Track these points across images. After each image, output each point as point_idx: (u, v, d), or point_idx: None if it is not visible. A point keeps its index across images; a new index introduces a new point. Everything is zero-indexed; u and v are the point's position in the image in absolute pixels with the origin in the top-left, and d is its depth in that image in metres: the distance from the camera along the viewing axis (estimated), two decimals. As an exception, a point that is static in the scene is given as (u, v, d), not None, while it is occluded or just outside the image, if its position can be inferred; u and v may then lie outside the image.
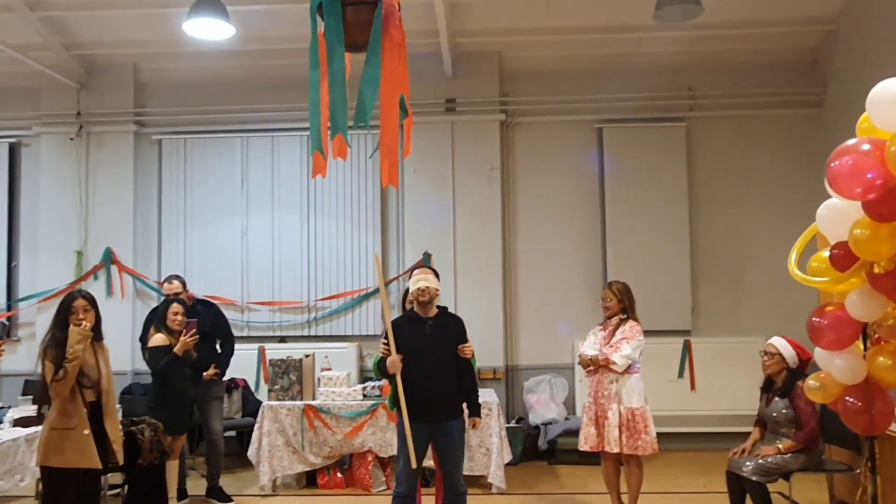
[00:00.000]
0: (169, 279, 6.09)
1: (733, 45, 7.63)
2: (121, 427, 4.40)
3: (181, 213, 8.05)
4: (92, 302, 4.22)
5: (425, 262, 7.43)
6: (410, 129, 2.44)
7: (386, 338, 4.61)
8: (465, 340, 4.65)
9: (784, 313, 7.07)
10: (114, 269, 7.92)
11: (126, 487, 4.70)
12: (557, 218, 7.95)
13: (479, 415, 4.69)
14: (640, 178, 7.78)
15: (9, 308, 8.06)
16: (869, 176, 2.96)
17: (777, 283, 6.97)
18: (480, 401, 5.71)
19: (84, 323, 4.02)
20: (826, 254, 3.54)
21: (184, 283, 6.07)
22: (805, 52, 7.78)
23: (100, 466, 4.07)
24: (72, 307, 4.12)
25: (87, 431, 4.02)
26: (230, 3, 6.38)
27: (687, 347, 7.60)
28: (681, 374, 7.59)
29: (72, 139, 7.98)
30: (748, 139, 7.87)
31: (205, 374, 5.76)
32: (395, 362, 4.41)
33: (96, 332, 4.19)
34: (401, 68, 2.25)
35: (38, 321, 7.83)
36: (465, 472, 5.06)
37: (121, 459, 4.24)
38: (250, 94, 8.06)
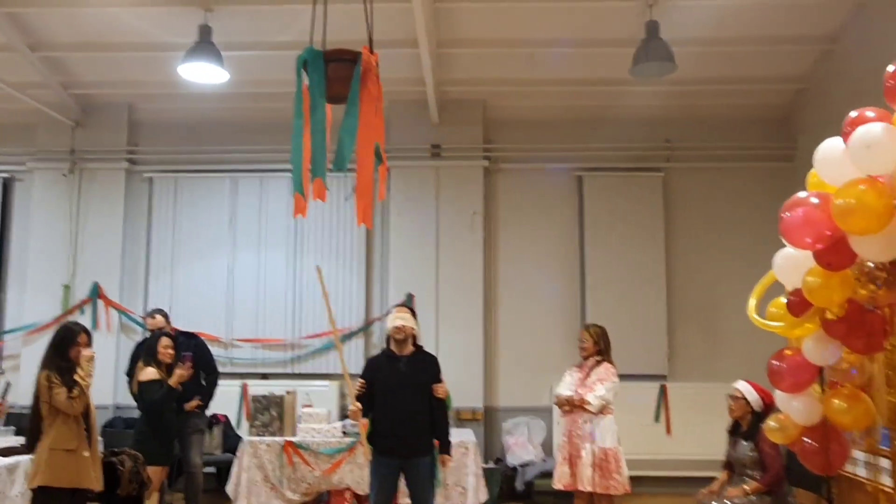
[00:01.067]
0: (151, 314, 6.22)
1: (709, 100, 7.97)
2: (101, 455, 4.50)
3: (169, 250, 8.20)
4: (90, 337, 4.39)
5: (407, 303, 7.57)
6: (385, 174, 2.63)
7: (362, 376, 4.77)
8: (438, 379, 4.79)
9: (758, 359, 7.09)
10: (100, 303, 8.02)
11: (103, 518, 4.74)
12: (538, 262, 8.15)
13: (448, 453, 4.78)
14: (619, 226, 8.02)
15: (-6, 340, 8.12)
16: (818, 227, 3.16)
17: (751, 330, 7.02)
18: (458, 440, 5.86)
19: (91, 350, 4.16)
20: (783, 300, 3.72)
21: (167, 317, 6.20)
22: (777, 109, 8.12)
23: (101, 488, 4.19)
24: (76, 340, 4.27)
25: (86, 453, 4.16)
26: (225, 47, 6.64)
27: (663, 392, 7.75)
28: (657, 419, 7.72)
29: (64, 175, 8.16)
30: (723, 190, 8.15)
31: (187, 405, 5.84)
32: (355, 413, 4.56)
33: None
34: (376, 119, 2.45)
35: (23, 353, 7.89)
36: (441, 511, 5.16)
37: (100, 486, 4.33)
38: (241, 135, 8.29)
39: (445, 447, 4.77)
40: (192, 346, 6.11)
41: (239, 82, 7.51)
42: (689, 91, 7.72)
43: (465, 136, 8.13)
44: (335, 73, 2.34)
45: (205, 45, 6.55)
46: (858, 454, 4.05)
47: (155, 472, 5.20)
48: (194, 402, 5.92)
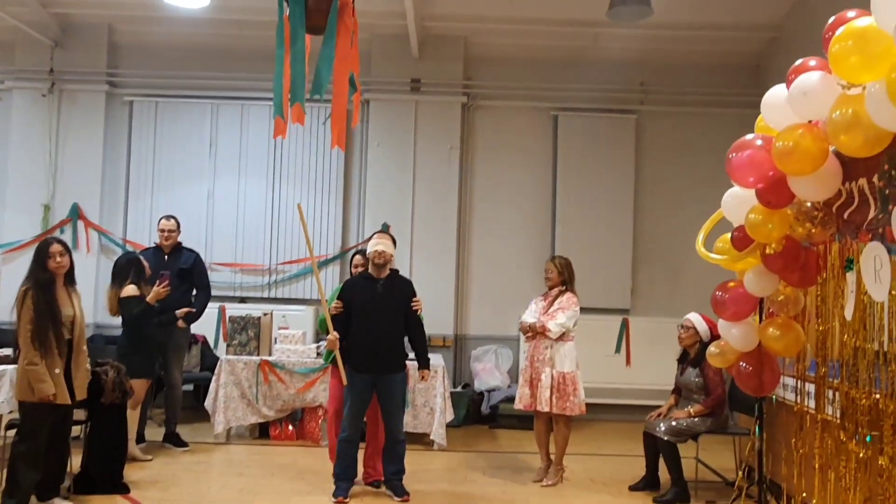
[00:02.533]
0: (168, 216, 6.45)
1: (683, 45, 8.12)
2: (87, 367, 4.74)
3: (149, 174, 8.30)
4: (66, 247, 4.56)
5: (384, 231, 7.80)
6: (358, 102, 2.83)
7: (339, 297, 5.06)
8: (412, 301, 5.10)
9: (714, 297, 7.60)
10: (80, 224, 8.16)
11: (88, 425, 5.02)
12: (511, 197, 8.40)
13: (427, 367, 5.14)
14: (591, 165, 8.26)
15: (-26, 257, 8.25)
16: (761, 168, 3.42)
17: (709, 270, 7.43)
18: (427, 363, 6.20)
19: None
20: (729, 236, 4.02)
21: (178, 224, 6.44)
22: (749, 56, 8.31)
23: (69, 402, 4.41)
24: (49, 251, 4.45)
25: (57, 370, 4.35)
26: (206, -28, 6.64)
27: (625, 325, 8.13)
28: (618, 350, 8.12)
29: (44, 95, 8.17)
30: (693, 134, 8.39)
31: (178, 311, 6.11)
32: (333, 342, 4.92)
33: (70, 277, 4.54)
34: (352, 51, 2.64)
35: (2, 271, 8.04)
36: (410, 430, 5.53)
37: (82, 395, 4.58)
38: (222, 62, 8.32)
39: (424, 363, 5.13)
40: (192, 260, 6.41)
41: (220, 8, 7.53)
42: (665, 36, 7.86)
43: (444, 72, 8.24)
44: (315, 4, 2.51)
45: (185, -33, 6.56)
46: (788, 380, 4.43)
47: (138, 385, 5.48)
48: (184, 310, 6.19)
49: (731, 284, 4.13)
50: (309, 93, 2.59)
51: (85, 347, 4.64)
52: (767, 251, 3.74)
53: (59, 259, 4.47)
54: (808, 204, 3.46)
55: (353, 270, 5.34)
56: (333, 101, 2.65)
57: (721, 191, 8.43)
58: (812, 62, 3.12)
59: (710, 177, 8.17)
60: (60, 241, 4.62)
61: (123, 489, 4.94)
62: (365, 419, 5.16)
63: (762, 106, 3.50)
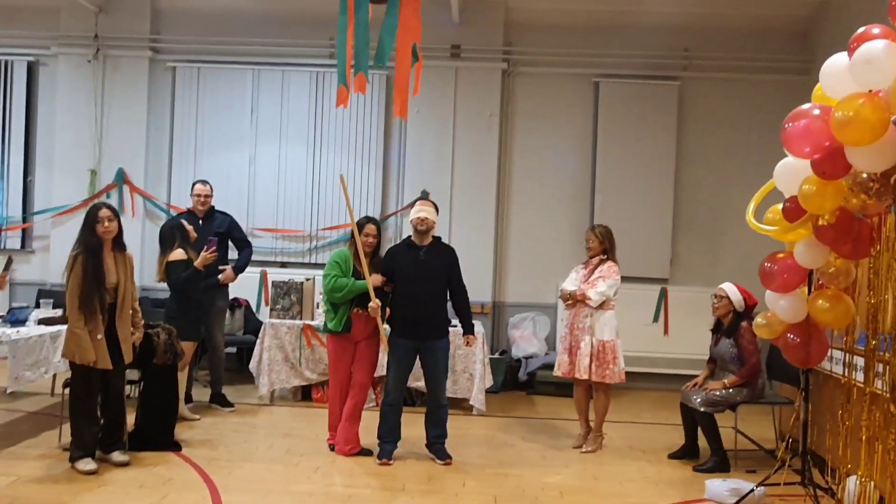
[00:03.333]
0: (203, 181, 6.55)
1: (728, 9, 7.93)
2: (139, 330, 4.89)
3: (192, 139, 8.41)
4: (115, 213, 4.68)
5: (423, 198, 7.84)
6: (420, 71, 2.84)
7: (383, 264, 5.11)
8: (456, 269, 5.15)
9: (755, 268, 7.48)
10: (125, 188, 8.32)
11: (141, 384, 5.18)
12: (550, 165, 8.35)
13: (472, 333, 5.24)
14: (632, 133, 8.17)
15: (24, 220, 8.46)
16: (817, 138, 3.37)
17: (750, 240, 7.36)
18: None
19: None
20: (780, 206, 3.97)
21: (212, 189, 6.57)
22: (797, 21, 8.09)
23: (109, 367, 4.55)
24: (98, 216, 4.56)
25: (100, 336, 4.49)
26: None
27: (663, 294, 8.11)
28: (655, 319, 8.11)
29: (88, 61, 8.28)
30: (737, 101, 8.24)
31: (221, 276, 6.27)
32: (375, 310, 4.97)
33: (119, 242, 4.65)
34: (414, 20, 2.64)
35: (52, 234, 8.26)
36: (450, 395, 5.60)
37: (128, 359, 4.72)
38: (264, 27, 8.34)
39: (469, 328, 5.22)
40: (226, 223, 6.52)
41: (262, -27, 7.52)
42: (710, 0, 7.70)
43: (485, 38, 8.17)
44: (378, -26, 2.53)
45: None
46: (836, 353, 4.40)
47: (186, 347, 5.61)
48: (228, 273, 6.33)
49: (781, 255, 4.09)
50: (372, 61, 2.60)
51: (129, 312, 4.74)
52: (820, 222, 3.70)
53: (107, 224, 4.58)
54: (864, 175, 3.39)
55: (365, 240, 5.13)
56: (396, 71, 2.66)
57: (766, 160, 8.31)
58: (875, 30, 3.04)
59: (755, 145, 8.09)
60: (109, 207, 4.72)
61: (175, 446, 5.11)
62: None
63: (821, 74, 3.43)
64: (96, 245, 4.54)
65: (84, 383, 4.57)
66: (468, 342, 5.23)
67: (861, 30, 3.16)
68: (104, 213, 4.63)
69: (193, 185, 6.58)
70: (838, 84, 3.27)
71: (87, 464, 4.53)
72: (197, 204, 6.46)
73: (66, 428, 4.86)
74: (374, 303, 4.96)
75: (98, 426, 4.66)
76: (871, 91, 3.10)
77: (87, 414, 4.58)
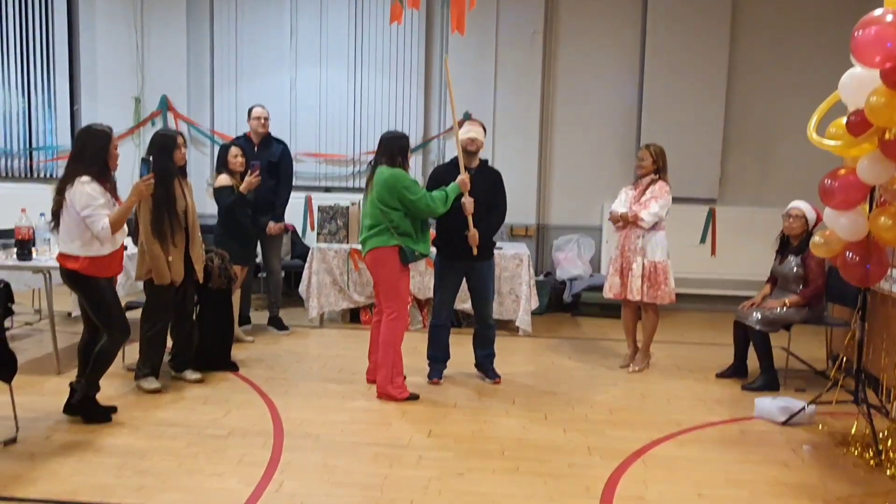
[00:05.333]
0: (260, 105, 6.51)
1: (790, -90, 7.47)
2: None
3: (232, 65, 8.36)
4: (185, 140, 4.77)
5: (466, 119, 7.73)
6: (476, -17, 2.74)
7: (429, 184, 5.01)
8: (502, 192, 5.08)
9: (808, 186, 7.25)
10: (169, 115, 8.36)
11: (198, 307, 5.33)
12: (596, 84, 8.14)
13: (485, 238, 4.99)
14: (682, 47, 7.88)
15: (73, 149, 8.58)
16: (889, 45, 3.20)
17: (803, 158, 7.25)
18: (512, 252, 6.33)
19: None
20: (844, 120, 3.82)
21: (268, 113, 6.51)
22: (864, -79, 7.59)
23: (176, 281, 4.68)
24: (176, 142, 4.69)
25: (171, 258, 4.62)
26: None
27: (711, 215, 7.97)
28: (703, 240, 8.01)
29: (125, -13, 8.21)
30: (794, 9, 7.87)
31: (269, 229, 6.29)
32: (464, 182, 4.76)
33: (182, 169, 4.75)
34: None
35: (101, 163, 8.37)
36: (496, 316, 5.63)
37: (201, 279, 4.88)
38: (300, -53, 8.15)
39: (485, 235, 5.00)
40: (280, 151, 6.48)
41: None
42: None
43: (528, -49, 7.87)
44: None
45: None
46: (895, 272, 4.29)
47: (237, 271, 5.74)
48: (277, 228, 6.35)
49: (842, 171, 3.96)
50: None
51: (199, 235, 4.87)
52: (887, 136, 3.55)
53: (182, 150, 4.74)
54: (938, 85, 3.24)
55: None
56: (453, -15, 2.57)
57: (823, 71, 8.03)
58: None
59: (812, 56, 7.77)
60: (180, 134, 4.85)
61: (233, 367, 5.29)
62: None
63: (897, -23, 3.23)
64: (171, 171, 4.63)
65: (158, 304, 4.73)
66: (472, 236, 4.88)
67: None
68: (180, 139, 4.77)
69: (251, 109, 6.50)
70: (916, -13, 3.07)
71: (151, 382, 4.73)
72: (257, 127, 6.39)
73: (129, 349, 5.05)
74: (468, 199, 4.79)
75: (164, 345, 4.85)
76: (951, -6, 2.91)
77: (159, 334, 4.78)
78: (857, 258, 3.95)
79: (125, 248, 4.38)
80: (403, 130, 7.97)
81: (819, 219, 5.19)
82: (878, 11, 3.31)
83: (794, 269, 5.20)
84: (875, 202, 3.99)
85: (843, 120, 3.86)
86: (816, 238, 4.17)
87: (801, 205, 5.28)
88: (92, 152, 4.03)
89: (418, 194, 4.59)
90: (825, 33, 7.71)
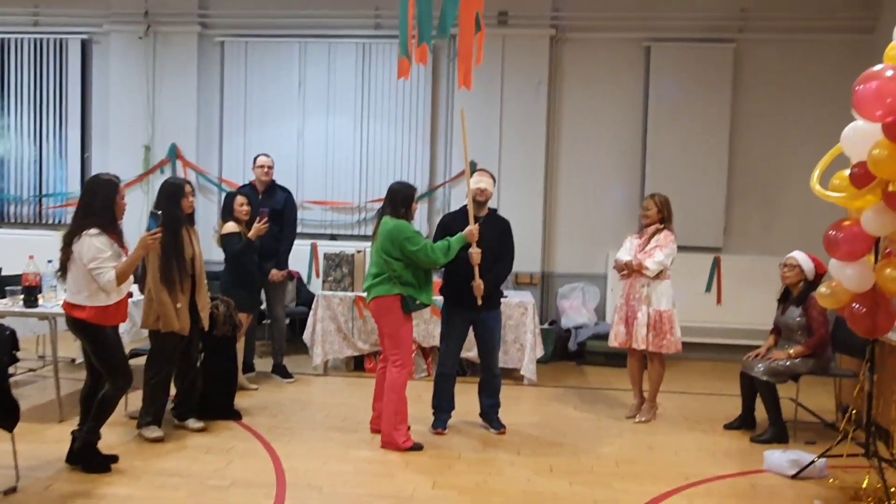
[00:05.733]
0: (265, 154, 6.62)
1: (788, -33, 7.65)
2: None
3: (241, 113, 8.50)
4: (193, 189, 4.82)
5: (473, 171, 7.80)
6: (483, 40, 2.80)
7: (439, 232, 5.03)
8: (510, 241, 5.10)
9: (812, 235, 7.25)
10: (178, 163, 8.46)
11: (203, 355, 5.31)
12: (600, 133, 8.23)
13: (492, 288, 4.99)
14: (685, 97, 7.98)
15: (83, 196, 8.66)
16: (889, 100, 3.24)
17: (806, 207, 7.24)
18: (517, 300, 6.33)
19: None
20: (847, 172, 3.85)
21: (273, 162, 6.60)
22: (861, -23, 7.76)
23: (186, 332, 4.69)
24: (184, 191, 4.74)
25: (179, 305, 4.62)
26: None
27: (716, 263, 7.97)
28: (708, 289, 7.99)
29: (140, 38, 8.39)
30: (796, 64, 7.97)
31: (271, 276, 6.31)
32: (472, 233, 4.78)
33: (190, 217, 4.79)
34: (477, -11, 2.60)
35: (109, 209, 8.44)
36: (501, 365, 5.60)
37: (206, 326, 4.88)
38: (309, 0, 8.33)
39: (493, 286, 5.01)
40: (284, 199, 6.55)
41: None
42: (769, -43, 7.43)
43: (532, 4, 8.04)
44: (440, -57, 2.49)
45: None
46: (904, 322, 4.26)
47: (242, 318, 5.74)
48: (280, 275, 6.39)
49: (846, 223, 3.97)
50: (435, 33, 2.58)
51: (205, 282, 4.89)
52: (890, 188, 3.57)
53: (190, 199, 4.78)
54: (940, 138, 3.27)
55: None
56: (460, 41, 2.64)
57: (825, 124, 8.10)
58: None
59: (814, 109, 7.86)
60: (189, 182, 4.88)
61: (236, 415, 5.25)
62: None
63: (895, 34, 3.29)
64: (179, 218, 4.67)
65: (163, 352, 4.72)
66: (479, 286, 4.87)
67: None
68: (188, 188, 4.81)
69: (256, 157, 6.61)
70: (914, 43, 3.13)
71: (154, 431, 4.69)
72: (260, 175, 6.49)
73: (132, 396, 5.02)
74: (475, 250, 4.80)
75: (167, 394, 4.82)
76: (950, 50, 2.96)
77: (163, 382, 4.77)
78: (864, 309, 3.93)
79: (131, 295, 4.39)
80: (409, 179, 8.10)
81: (818, 268, 5.19)
82: (878, 66, 3.36)
83: (797, 319, 5.18)
84: (880, 253, 4.00)
85: (847, 172, 3.89)
86: (823, 289, 4.16)
87: (796, 255, 5.29)
88: (100, 203, 4.07)
89: (419, 244, 4.62)
90: (827, 83, 7.80)
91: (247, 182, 6.78)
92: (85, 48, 8.67)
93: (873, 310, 3.90)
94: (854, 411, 4.37)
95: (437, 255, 4.66)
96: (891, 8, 7.37)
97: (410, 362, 4.86)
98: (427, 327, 6.70)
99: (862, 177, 3.68)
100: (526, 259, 7.87)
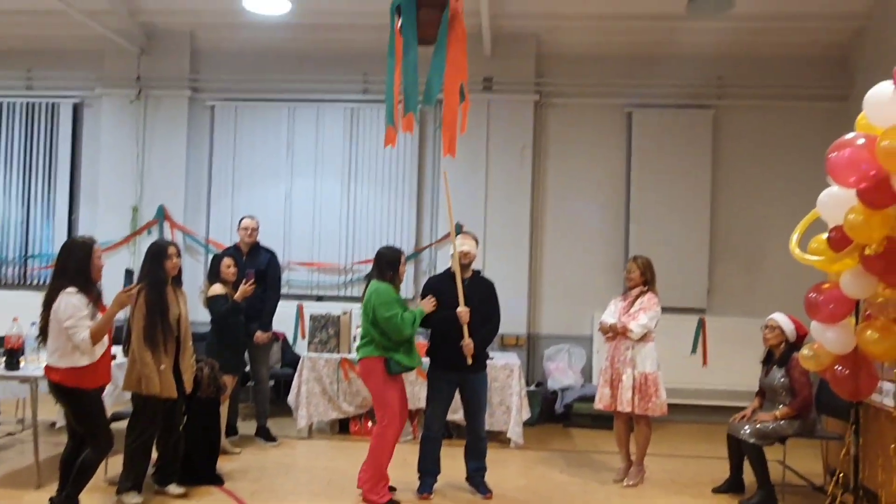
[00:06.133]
0: (250, 216, 6.69)
1: (764, 37, 7.91)
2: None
3: (230, 175, 8.57)
4: (179, 250, 4.84)
5: (458, 233, 7.87)
6: (467, 110, 2.88)
7: (424, 293, 5.08)
8: (495, 302, 5.14)
9: (795, 297, 7.28)
10: (166, 225, 8.48)
11: (185, 417, 5.23)
12: (584, 196, 8.35)
13: (479, 350, 5.00)
14: (666, 162, 8.15)
15: (68, 256, 8.64)
16: (863, 167, 3.35)
17: (789, 269, 7.26)
18: (503, 363, 6.35)
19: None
20: (825, 236, 3.93)
21: (258, 224, 6.67)
22: (835, 47, 8.03)
23: (174, 396, 4.63)
24: (167, 252, 4.71)
25: (163, 367, 4.58)
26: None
27: (701, 325, 8.01)
28: (694, 350, 8.01)
29: (131, 102, 8.50)
30: (773, 129, 8.19)
31: (256, 338, 6.30)
32: (463, 313, 4.84)
33: (177, 278, 4.78)
34: (462, 60, 2.70)
35: (95, 269, 8.41)
36: (487, 428, 5.56)
37: (189, 388, 4.82)
38: (299, 65, 8.52)
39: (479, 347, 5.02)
40: (267, 260, 6.59)
41: (300, 12, 7.69)
42: (745, 27, 7.67)
43: (516, 70, 8.25)
44: (426, 17, 2.60)
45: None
46: (887, 385, 4.30)
47: (227, 380, 5.69)
48: (265, 337, 6.39)
49: (826, 286, 4.04)
50: (421, 101, 2.66)
51: (190, 344, 4.85)
52: (867, 252, 3.65)
53: (175, 260, 4.76)
54: (912, 204, 3.36)
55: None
56: (445, 110, 2.72)
57: (804, 187, 8.24)
58: (920, 59, 3.03)
59: (792, 173, 8.02)
60: (174, 244, 4.88)
61: (219, 480, 5.15)
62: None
63: (865, 104, 3.42)
64: (163, 279, 4.66)
65: (145, 415, 4.64)
66: (468, 345, 4.90)
67: (905, 59, 3.14)
68: (172, 249, 4.82)
69: (241, 220, 6.68)
70: (883, 113, 3.25)
71: (133, 497, 4.59)
72: (244, 237, 6.55)
73: (112, 461, 4.92)
74: (464, 309, 4.86)
75: (148, 459, 4.73)
76: (917, 120, 3.08)
77: (144, 446, 4.67)
78: (847, 371, 3.97)
79: (114, 357, 4.35)
80: (395, 241, 8.20)
81: (799, 330, 5.24)
82: (850, 134, 3.48)
83: (780, 381, 5.21)
84: (861, 315, 4.05)
85: (824, 236, 3.97)
86: (805, 351, 4.20)
87: (777, 317, 5.35)
88: (75, 265, 4.09)
89: (390, 312, 4.72)
90: (805, 148, 7.97)
91: (232, 244, 6.82)
92: (76, 111, 8.75)
93: (855, 372, 3.94)
94: (841, 474, 4.36)
95: (405, 325, 4.73)
96: (863, 78, 7.62)
97: (396, 423, 4.86)
98: (413, 389, 6.62)
99: (839, 241, 3.77)
100: (512, 320, 7.87)
